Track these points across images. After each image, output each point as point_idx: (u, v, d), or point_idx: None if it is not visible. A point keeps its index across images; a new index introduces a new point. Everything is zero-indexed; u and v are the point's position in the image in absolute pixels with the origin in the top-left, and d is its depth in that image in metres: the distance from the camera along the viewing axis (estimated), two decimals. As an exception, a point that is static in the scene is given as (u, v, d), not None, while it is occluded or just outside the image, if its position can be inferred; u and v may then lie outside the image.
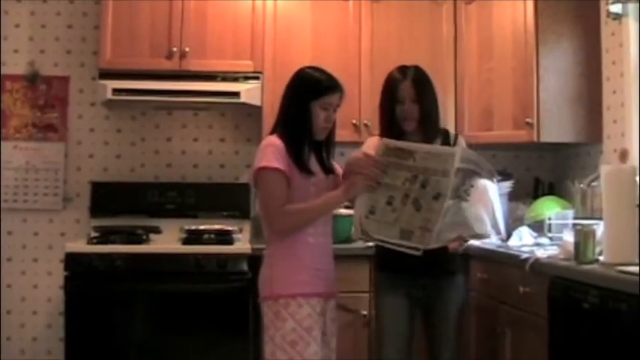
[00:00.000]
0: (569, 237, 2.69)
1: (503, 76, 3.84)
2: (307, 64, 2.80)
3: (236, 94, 3.83)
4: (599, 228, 2.60)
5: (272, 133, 2.63)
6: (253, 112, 4.01)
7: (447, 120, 3.84)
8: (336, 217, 2.92)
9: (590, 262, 2.51)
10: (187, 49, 3.85)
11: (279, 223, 2.54)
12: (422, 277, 2.79)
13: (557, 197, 3.75)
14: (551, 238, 3.23)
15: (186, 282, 3.51)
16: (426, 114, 2.77)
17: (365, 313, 3.51)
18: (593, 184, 3.24)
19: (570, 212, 3.36)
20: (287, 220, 2.53)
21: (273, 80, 3.78)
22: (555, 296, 2.56)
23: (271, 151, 2.52)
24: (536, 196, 3.93)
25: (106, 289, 3.49)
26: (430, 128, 2.79)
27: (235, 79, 3.86)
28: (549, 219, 3.33)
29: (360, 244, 3.35)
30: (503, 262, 3.07)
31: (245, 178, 4.13)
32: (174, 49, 3.85)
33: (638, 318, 2.05)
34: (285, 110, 2.64)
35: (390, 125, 2.78)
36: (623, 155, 3.42)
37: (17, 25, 4.17)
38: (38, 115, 4.16)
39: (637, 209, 2.49)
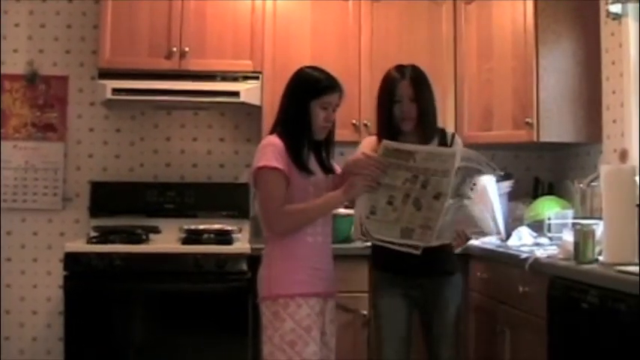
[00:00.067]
0: (568, 237, 2.69)
1: (503, 76, 3.83)
2: (307, 63, 2.80)
3: (235, 93, 3.83)
4: (599, 228, 2.60)
5: (271, 132, 2.63)
6: (253, 111, 4.01)
7: (447, 120, 3.85)
8: (336, 217, 2.92)
9: (590, 262, 2.51)
10: (187, 49, 3.84)
11: (278, 223, 2.53)
12: (419, 278, 2.78)
13: (556, 197, 3.75)
14: (550, 238, 3.23)
15: (186, 282, 3.50)
16: (423, 113, 2.76)
17: (365, 312, 3.50)
18: (593, 184, 3.25)
19: (570, 212, 3.36)
20: (286, 220, 2.52)
21: (273, 80, 3.78)
22: (555, 296, 2.56)
23: (271, 151, 2.52)
24: (535, 196, 3.92)
25: (105, 288, 3.49)
26: (428, 127, 2.78)
27: (235, 79, 3.86)
28: (549, 219, 3.33)
29: (359, 244, 3.35)
30: (503, 261, 3.07)
31: (244, 177, 4.13)
32: (174, 48, 3.84)
33: (638, 318, 2.05)
34: (284, 110, 2.64)
35: (388, 124, 2.77)
36: (623, 155, 3.42)
37: (16, 25, 4.17)
38: (37, 114, 4.15)
39: (637, 209, 2.48)
